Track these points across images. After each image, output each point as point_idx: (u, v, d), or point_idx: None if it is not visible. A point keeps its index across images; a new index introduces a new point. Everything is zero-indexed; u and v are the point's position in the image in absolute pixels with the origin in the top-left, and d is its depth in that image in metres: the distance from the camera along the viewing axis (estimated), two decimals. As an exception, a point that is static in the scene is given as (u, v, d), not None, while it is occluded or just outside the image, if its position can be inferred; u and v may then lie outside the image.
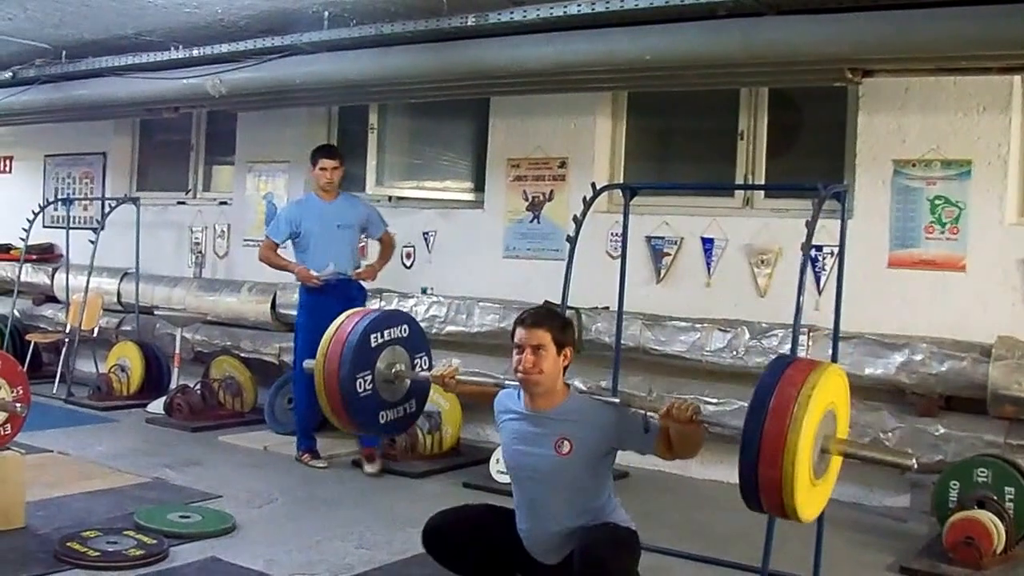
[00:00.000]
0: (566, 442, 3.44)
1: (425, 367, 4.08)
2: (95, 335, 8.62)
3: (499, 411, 3.70)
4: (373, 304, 7.49)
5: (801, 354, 5.47)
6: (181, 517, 4.79)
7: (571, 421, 3.47)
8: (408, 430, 4.21)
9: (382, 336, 3.95)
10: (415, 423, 4.23)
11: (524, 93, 6.71)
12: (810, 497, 3.09)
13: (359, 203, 6.54)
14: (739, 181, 6.38)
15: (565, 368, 3.53)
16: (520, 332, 3.47)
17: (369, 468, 5.98)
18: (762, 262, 6.12)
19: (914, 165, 5.66)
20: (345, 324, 3.93)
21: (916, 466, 3.23)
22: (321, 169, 6.28)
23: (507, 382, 3.71)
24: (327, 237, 6.25)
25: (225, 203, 8.97)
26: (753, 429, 2.97)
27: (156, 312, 8.50)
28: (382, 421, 3.96)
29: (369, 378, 3.87)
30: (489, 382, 3.90)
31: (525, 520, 3.60)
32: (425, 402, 4.21)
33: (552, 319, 3.53)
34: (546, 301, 5.36)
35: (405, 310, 7.32)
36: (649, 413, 3.41)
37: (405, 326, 4.07)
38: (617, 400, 3.62)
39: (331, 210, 6.30)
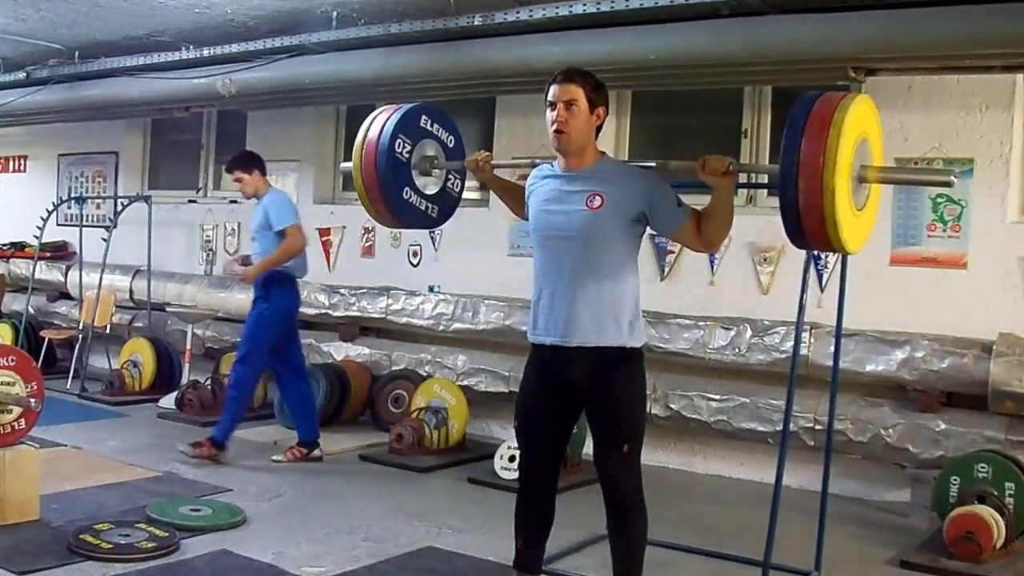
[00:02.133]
0: (597, 197, 3.40)
1: (457, 188, 4.10)
2: (108, 331, 8.72)
3: (531, 182, 3.68)
4: (381, 302, 7.57)
5: (803, 352, 5.54)
6: (192, 510, 4.86)
7: (604, 179, 3.45)
8: (423, 226, 4.17)
9: (432, 125, 3.97)
10: (434, 225, 4.19)
11: (530, 92, 6.74)
12: (853, 225, 3.10)
13: (263, 204, 6.14)
14: (742, 179, 6.41)
15: (598, 128, 3.52)
16: (553, 88, 3.45)
17: (278, 456, 6.13)
18: (765, 260, 6.16)
19: (916, 163, 5.68)
20: (402, 104, 3.99)
21: (955, 182, 3.27)
22: None
23: (538, 162, 3.75)
24: (252, 243, 6.31)
25: (235, 202, 9.01)
26: (791, 149, 2.99)
27: (168, 309, 8.59)
28: (405, 197, 3.90)
29: (409, 146, 3.86)
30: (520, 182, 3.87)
31: (545, 288, 3.52)
32: (447, 216, 4.14)
33: (585, 76, 3.47)
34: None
35: (415, 310, 7.43)
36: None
37: (454, 138, 4.06)
38: (654, 164, 3.61)
39: (251, 216, 6.37)
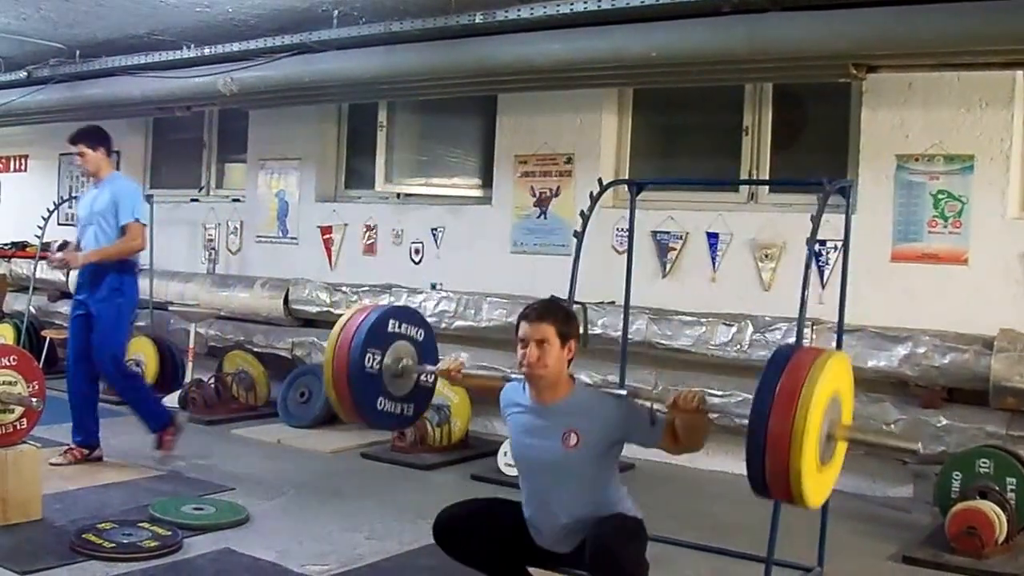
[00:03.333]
0: (573, 434, 3.44)
1: (430, 381, 4.11)
2: (110, 331, 8.71)
3: (505, 405, 3.73)
4: (383, 300, 7.57)
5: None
6: (195, 509, 4.87)
7: (577, 414, 3.48)
8: (399, 428, 4.19)
9: (400, 327, 3.98)
10: (411, 423, 4.24)
11: (531, 90, 6.76)
12: (817, 483, 3.11)
13: (113, 189, 5.84)
14: (743, 176, 6.42)
15: (570, 361, 3.54)
16: (524, 327, 3.48)
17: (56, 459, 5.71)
18: (766, 256, 6.17)
19: (917, 160, 5.69)
20: (368, 308, 4.05)
21: (921, 450, 3.28)
22: None
23: (512, 375, 3.73)
24: (81, 228, 5.98)
25: (238, 200, 9.05)
26: (759, 416, 2.99)
27: (170, 308, 8.59)
28: (379, 407, 3.94)
29: (379, 357, 3.88)
30: (496, 376, 3.94)
31: (533, 511, 3.62)
32: (424, 409, 4.23)
33: (555, 312, 3.52)
34: (552, 296, 5.39)
35: (417, 307, 7.43)
36: (655, 406, 3.46)
37: (423, 331, 4.10)
38: (624, 392, 3.62)
39: (86, 200, 6.04)
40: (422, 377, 4.08)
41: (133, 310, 6.05)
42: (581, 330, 3.66)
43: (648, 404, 3.52)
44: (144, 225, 5.83)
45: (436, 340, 4.28)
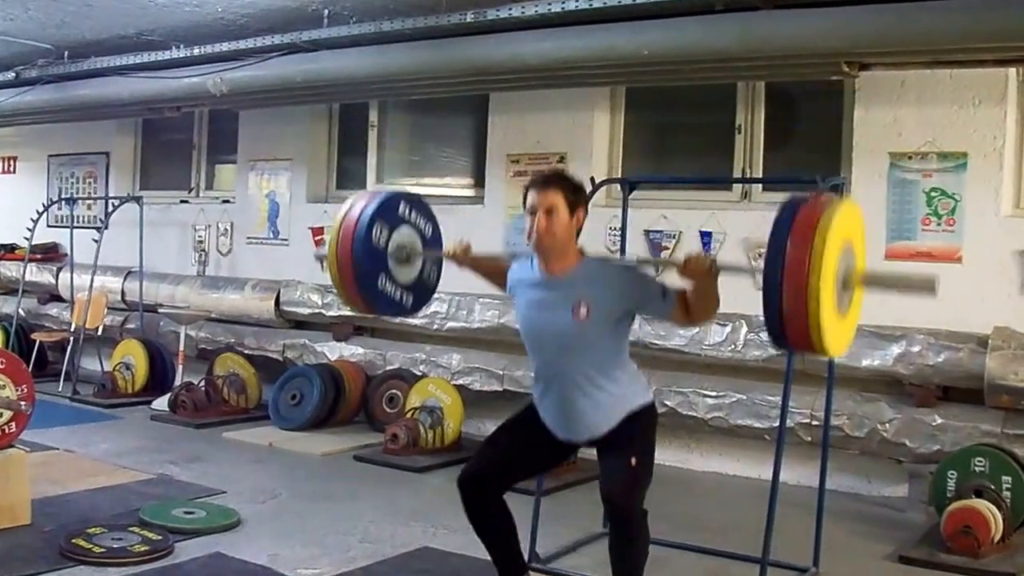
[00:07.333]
0: (583, 305, 3.36)
1: (433, 279, 4.00)
2: (100, 333, 8.68)
3: (512, 283, 3.65)
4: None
5: (800, 346, 5.52)
6: (186, 513, 4.82)
7: (587, 284, 3.40)
8: (395, 315, 4.02)
9: (411, 214, 3.89)
10: (407, 314, 4.08)
11: (523, 89, 6.74)
12: (837, 330, 3.09)
13: None
14: (737, 175, 6.41)
15: (578, 231, 3.48)
16: (532, 195, 3.41)
17: None
18: (760, 255, 6.08)
19: (910, 158, 5.68)
20: (380, 190, 3.93)
21: (938, 288, 3.25)
22: None
23: (519, 251, 3.65)
24: None
25: (228, 201, 9.01)
26: (774, 264, 2.97)
27: (160, 310, 8.54)
28: (379, 286, 3.79)
29: (386, 233, 3.76)
30: (501, 256, 3.84)
31: (544, 389, 3.53)
32: (421, 306, 4.08)
33: (563, 180, 3.45)
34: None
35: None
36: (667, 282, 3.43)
37: (432, 227, 3.99)
38: (633, 261, 3.55)
39: None
40: (425, 273, 3.94)
41: None
42: None
43: (660, 280, 3.46)
44: None
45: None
